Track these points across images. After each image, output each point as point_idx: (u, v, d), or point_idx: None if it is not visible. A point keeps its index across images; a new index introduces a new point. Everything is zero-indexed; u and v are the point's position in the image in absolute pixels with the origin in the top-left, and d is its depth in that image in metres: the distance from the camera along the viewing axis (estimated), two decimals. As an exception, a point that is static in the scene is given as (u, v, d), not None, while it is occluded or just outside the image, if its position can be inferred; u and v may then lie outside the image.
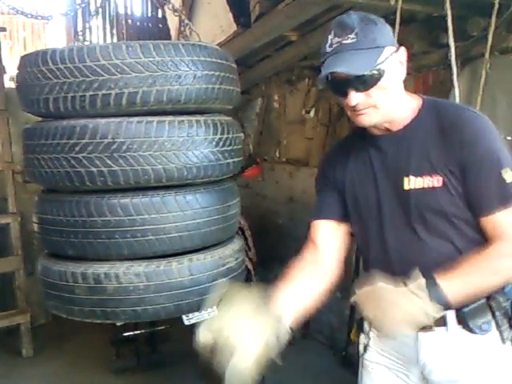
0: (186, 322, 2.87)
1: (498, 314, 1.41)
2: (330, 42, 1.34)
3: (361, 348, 1.66)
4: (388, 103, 1.37)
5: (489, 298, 1.41)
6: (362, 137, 1.52)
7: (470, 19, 2.66)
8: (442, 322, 1.43)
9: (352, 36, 1.31)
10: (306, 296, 1.47)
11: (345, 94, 1.35)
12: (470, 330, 1.42)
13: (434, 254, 1.40)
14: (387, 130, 1.45)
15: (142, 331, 3.54)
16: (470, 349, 1.44)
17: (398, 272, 1.38)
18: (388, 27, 1.39)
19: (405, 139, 1.43)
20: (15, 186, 3.95)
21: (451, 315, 1.43)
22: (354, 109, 1.37)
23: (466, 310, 1.41)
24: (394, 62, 1.36)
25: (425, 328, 1.44)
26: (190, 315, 2.85)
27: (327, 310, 4.04)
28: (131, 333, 3.47)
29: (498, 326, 1.42)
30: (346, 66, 1.29)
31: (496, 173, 1.32)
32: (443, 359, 1.47)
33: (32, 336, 3.98)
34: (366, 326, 1.64)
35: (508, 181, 1.32)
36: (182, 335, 3.78)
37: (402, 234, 1.44)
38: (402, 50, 1.39)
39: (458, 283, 1.29)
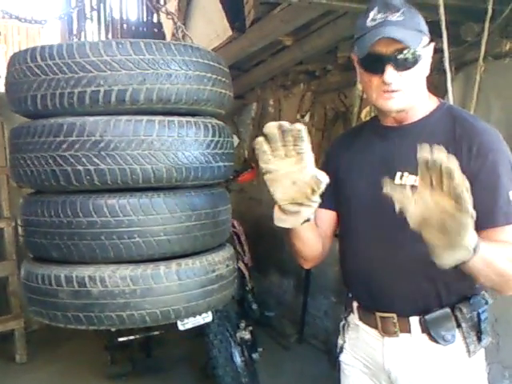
0: (181, 328, 2.87)
1: (464, 325, 1.40)
2: (372, 17, 1.34)
3: (338, 350, 1.66)
4: (414, 91, 1.38)
5: (453, 307, 1.40)
6: (372, 126, 1.54)
7: (464, 25, 2.66)
8: (406, 328, 1.43)
9: (399, 14, 1.32)
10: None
11: (381, 71, 1.33)
12: (433, 340, 1.40)
13: (410, 250, 1.33)
14: (398, 121, 1.45)
15: (137, 336, 3.52)
16: (434, 359, 1.43)
17: (378, 263, 1.41)
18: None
19: (411, 135, 1.42)
20: (9, 190, 3.93)
21: (415, 322, 1.42)
22: (386, 88, 1.35)
23: (428, 317, 1.40)
24: (428, 52, 1.38)
25: (389, 333, 1.45)
26: (185, 320, 2.85)
27: (322, 314, 4.04)
28: (126, 338, 3.45)
29: (464, 338, 1.40)
30: (398, 35, 1.29)
31: (502, 190, 1.31)
32: (407, 367, 1.46)
33: (26, 341, 3.96)
34: (341, 328, 1.65)
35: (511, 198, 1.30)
36: (176, 340, 3.79)
37: (382, 225, 1.41)
38: (432, 45, 1.40)
39: (489, 246, 1.18)
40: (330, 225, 1.58)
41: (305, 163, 1.21)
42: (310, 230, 1.41)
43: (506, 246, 1.28)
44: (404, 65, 1.33)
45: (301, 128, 1.18)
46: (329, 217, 1.58)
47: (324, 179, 1.20)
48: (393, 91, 1.35)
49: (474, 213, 1.03)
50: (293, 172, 1.22)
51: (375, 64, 1.35)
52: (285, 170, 1.22)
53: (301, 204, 1.24)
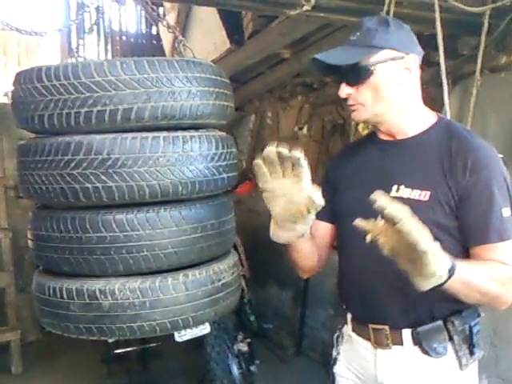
0: (178, 339, 2.85)
1: (456, 338, 1.40)
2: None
3: (332, 361, 1.66)
4: (379, 104, 1.40)
5: (445, 320, 1.41)
6: (370, 141, 1.57)
7: (461, 38, 2.69)
8: (398, 340, 1.44)
9: (357, 34, 1.40)
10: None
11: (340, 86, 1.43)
12: (425, 352, 1.41)
13: None
14: (393, 136, 1.48)
15: (134, 348, 3.50)
16: (426, 371, 1.43)
17: (370, 275, 1.42)
18: (405, 33, 1.43)
19: (408, 149, 1.45)
20: (7, 201, 3.93)
21: (407, 334, 1.43)
22: (346, 102, 1.44)
23: (420, 329, 1.41)
24: (393, 66, 1.39)
25: (382, 345, 1.46)
26: (183, 332, 2.84)
27: (320, 326, 4.02)
28: (122, 350, 3.43)
29: (456, 351, 1.40)
30: (328, 57, 1.38)
31: (495, 207, 1.32)
32: (400, 379, 1.46)
33: (22, 353, 3.93)
34: (335, 339, 1.65)
35: (505, 215, 1.32)
36: (173, 352, 3.77)
37: None
38: (410, 57, 1.40)
39: (468, 267, 1.23)
40: (326, 236, 1.60)
41: (302, 185, 1.23)
42: (306, 242, 1.45)
43: (491, 264, 1.30)
44: (355, 79, 1.39)
45: (299, 156, 1.20)
46: (326, 229, 1.59)
47: (319, 202, 1.23)
48: (352, 105, 1.42)
49: (432, 247, 1.09)
50: (290, 192, 1.24)
51: (337, 79, 1.44)
52: (282, 190, 1.25)
53: (296, 222, 1.29)
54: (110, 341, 3.05)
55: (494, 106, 2.65)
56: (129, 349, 3.45)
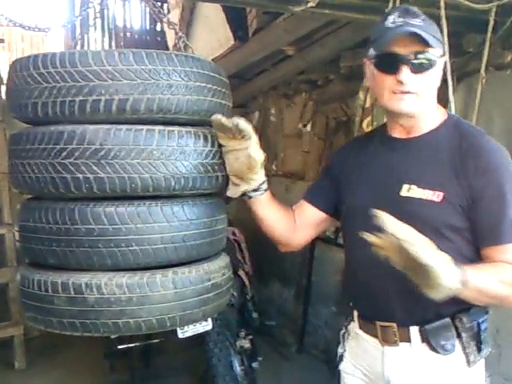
0: (180, 336, 2.86)
1: (464, 335, 1.40)
2: (392, 20, 1.36)
3: (338, 358, 1.67)
4: (427, 98, 1.39)
5: (453, 317, 1.40)
6: (380, 136, 1.55)
7: (466, 35, 2.68)
8: (406, 337, 1.44)
9: (419, 20, 1.35)
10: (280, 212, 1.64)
11: (396, 71, 1.34)
12: (433, 349, 1.41)
13: None
14: (408, 133, 1.46)
15: (136, 344, 3.51)
16: (434, 368, 1.42)
17: (377, 273, 1.41)
18: None
19: (419, 147, 1.44)
20: (11, 196, 3.94)
21: (415, 331, 1.43)
22: (400, 89, 1.35)
23: (428, 327, 1.41)
24: (441, 63, 1.40)
25: (389, 342, 1.46)
26: (185, 328, 2.83)
27: (323, 324, 4.03)
28: (125, 346, 3.44)
29: (464, 348, 1.40)
30: (422, 34, 1.31)
31: (507, 208, 1.33)
32: (407, 376, 1.46)
33: (25, 348, 3.94)
34: (341, 336, 1.65)
35: None
36: (176, 348, 3.78)
37: None
38: (445, 59, 1.43)
39: (479, 274, 1.25)
40: (310, 218, 1.63)
41: (247, 145, 1.44)
42: (264, 209, 1.60)
43: (501, 267, 1.31)
44: (420, 68, 1.34)
45: (238, 122, 1.42)
46: (312, 213, 1.63)
47: (259, 158, 1.46)
48: (406, 92, 1.36)
49: (436, 260, 1.13)
50: (238, 150, 1.47)
51: (391, 63, 1.36)
52: (232, 147, 1.47)
53: (241, 179, 1.52)
54: (113, 336, 3.06)
55: (498, 104, 2.64)
56: (131, 345, 3.45)
